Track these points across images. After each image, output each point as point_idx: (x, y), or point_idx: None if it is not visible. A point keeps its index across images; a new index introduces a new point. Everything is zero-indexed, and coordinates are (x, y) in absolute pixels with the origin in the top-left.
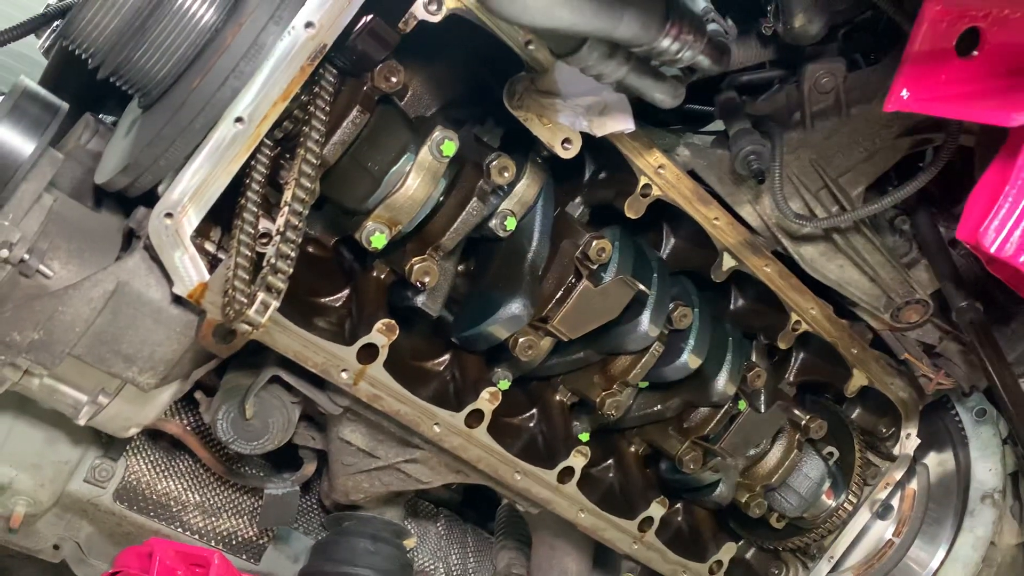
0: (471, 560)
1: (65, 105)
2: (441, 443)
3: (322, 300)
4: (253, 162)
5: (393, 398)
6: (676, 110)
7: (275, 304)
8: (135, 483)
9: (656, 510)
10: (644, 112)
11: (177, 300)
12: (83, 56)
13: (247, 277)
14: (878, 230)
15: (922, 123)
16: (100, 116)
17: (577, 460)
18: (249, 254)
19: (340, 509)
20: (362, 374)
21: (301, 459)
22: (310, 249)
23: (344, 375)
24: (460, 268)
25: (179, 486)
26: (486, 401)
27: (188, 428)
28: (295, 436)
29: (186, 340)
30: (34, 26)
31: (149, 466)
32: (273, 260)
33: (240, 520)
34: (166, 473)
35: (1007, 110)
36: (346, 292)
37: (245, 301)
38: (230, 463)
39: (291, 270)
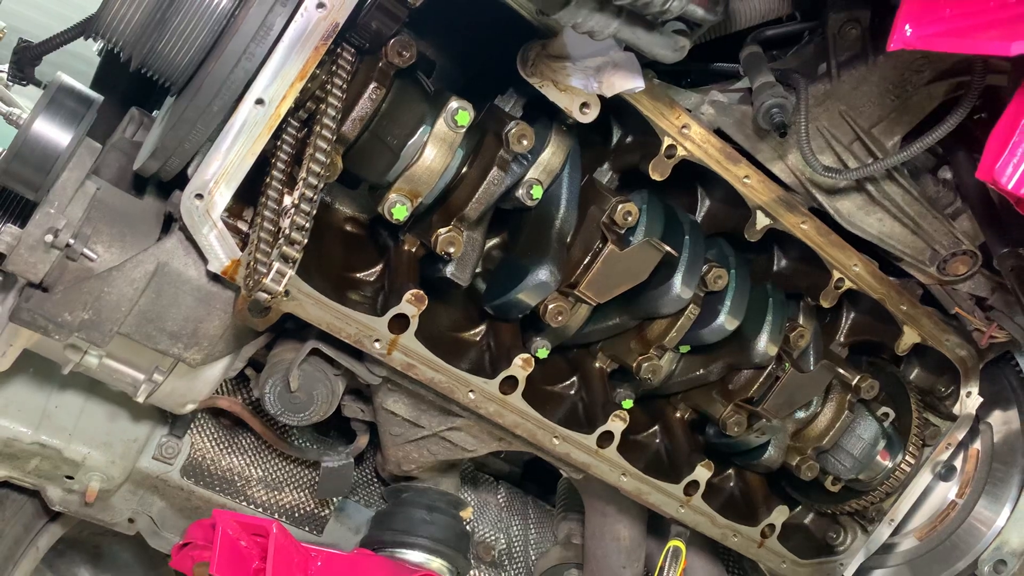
0: (532, 531)
1: (99, 97)
2: (477, 410)
3: (357, 275)
4: (278, 141)
5: (427, 366)
6: (705, 71)
7: (290, 272)
8: (200, 459)
9: (701, 473)
10: (671, 74)
11: (215, 278)
12: (113, 50)
13: (268, 250)
14: (920, 181)
15: (954, 65)
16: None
17: (615, 424)
18: (272, 228)
19: (397, 481)
20: (395, 344)
21: (355, 432)
22: (347, 227)
23: (377, 345)
24: (497, 240)
25: (242, 461)
26: (519, 367)
27: (246, 405)
28: (345, 409)
29: (226, 316)
30: (84, 28)
31: (213, 443)
32: (287, 231)
33: (301, 493)
34: (229, 449)
35: (1007, 40)
36: (380, 267)
37: (264, 271)
38: (289, 438)
39: (305, 240)
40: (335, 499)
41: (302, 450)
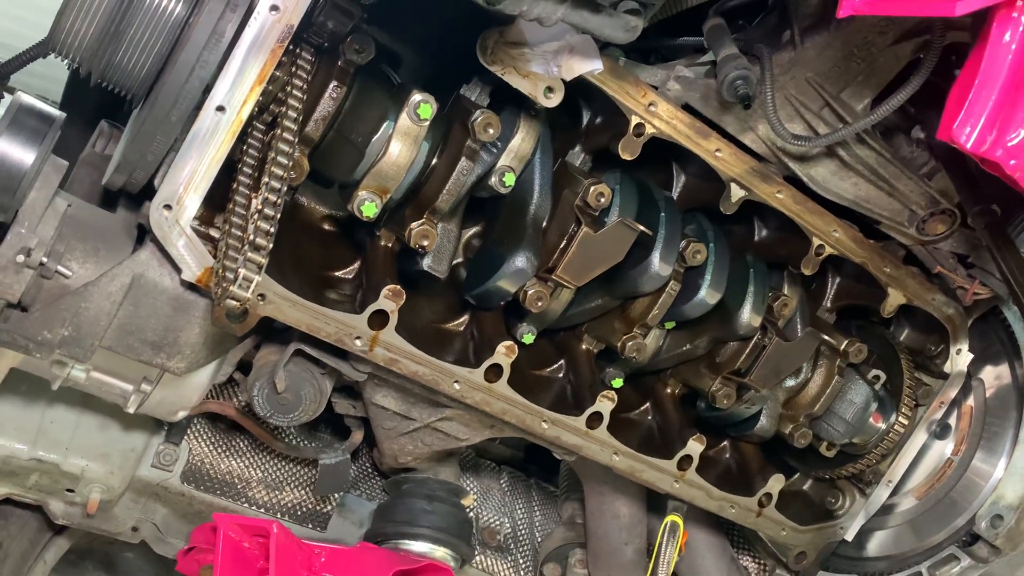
0: (537, 514)
1: (61, 114)
2: (464, 400)
3: (336, 273)
4: (244, 146)
5: (410, 360)
6: (672, 46)
7: (257, 278)
8: (199, 464)
9: (694, 447)
10: (639, 51)
11: (190, 286)
12: (69, 65)
13: (236, 256)
14: (893, 143)
15: (916, 25)
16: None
17: (604, 405)
18: (240, 234)
19: (396, 473)
20: (376, 340)
21: (350, 429)
22: (324, 226)
23: (358, 343)
24: (476, 229)
25: (241, 464)
26: (503, 355)
27: (240, 408)
28: (337, 407)
29: (206, 323)
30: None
31: (210, 447)
32: (252, 237)
33: (302, 492)
34: (227, 453)
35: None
36: (357, 264)
37: (231, 279)
38: (284, 438)
39: (270, 245)
40: (336, 494)
41: (298, 449)
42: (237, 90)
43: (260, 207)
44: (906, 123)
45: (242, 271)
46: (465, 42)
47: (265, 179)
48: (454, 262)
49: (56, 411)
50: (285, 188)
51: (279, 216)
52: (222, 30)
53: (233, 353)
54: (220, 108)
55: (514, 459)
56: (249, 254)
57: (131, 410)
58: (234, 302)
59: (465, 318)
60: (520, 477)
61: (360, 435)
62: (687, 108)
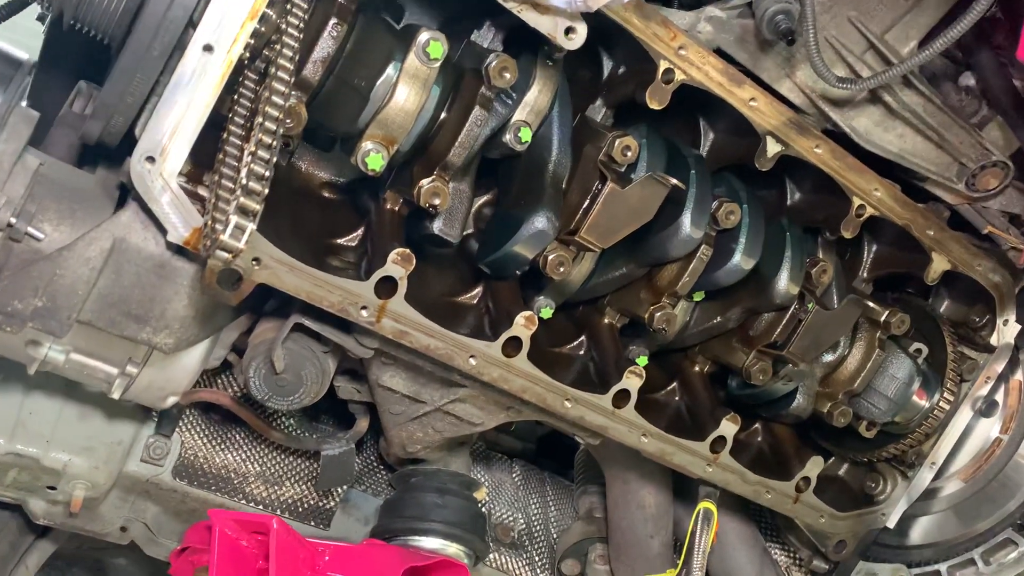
0: (551, 508)
1: (28, 57)
2: (480, 376)
3: (338, 240)
4: (236, 96)
5: (421, 332)
6: None
7: (251, 226)
8: (192, 458)
9: (727, 428)
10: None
11: (178, 250)
12: (41, 6)
13: (226, 208)
14: (941, 91)
15: None
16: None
17: (631, 381)
18: (231, 185)
19: (403, 465)
20: (383, 310)
21: (354, 416)
22: (324, 193)
23: (364, 313)
24: (488, 196)
25: (237, 457)
26: (522, 327)
27: (235, 397)
28: (339, 391)
29: (195, 293)
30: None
31: (204, 440)
32: (244, 181)
33: (303, 487)
34: (222, 446)
35: None
36: (362, 230)
37: (221, 229)
38: (284, 428)
39: (265, 190)
40: (339, 490)
41: (299, 440)
42: (226, 27)
43: (254, 149)
44: (953, 69)
45: (234, 218)
46: None
47: (259, 119)
48: (465, 232)
49: (35, 401)
50: (280, 132)
51: (274, 161)
52: None
53: (227, 333)
54: (208, 47)
55: (526, 451)
56: (241, 199)
57: (116, 395)
58: (225, 253)
59: (479, 290)
60: (533, 470)
61: (366, 422)
62: (719, 53)
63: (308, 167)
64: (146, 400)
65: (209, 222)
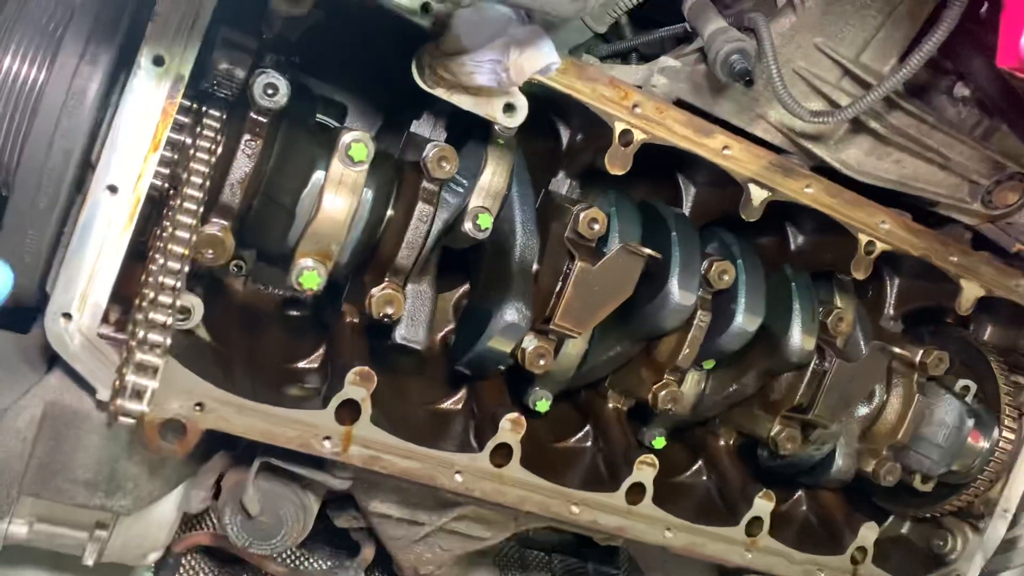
0: None
1: None
2: (471, 493)
3: (299, 364)
4: (156, 229)
5: (394, 455)
6: (652, 42)
7: (152, 385)
8: None
9: (762, 506)
10: (615, 55)
11: None
12: None
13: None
14: (935, 107)
15: None
16: None
17: (644, 472)
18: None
19: None
20: (348, 438)
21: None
22: (287, 311)
23: (327, 444)
24: (465, 288)
25: None
26: (508, 432)
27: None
28: (337, 521)
29: (143, 450)
30: None
31: None
32: (142, 333)
33: None
34: None
35: None
36: (323, 349)
37: (124, 390)
38: (286, 563)
39: (168, 342)
40: None
41: (305, 573)
42: (128, 163)
43: (152, 296)
44: (944, 81)
45: (131, 378)
46: (405, 73)
47: (160, 259)
48: (444, 330)
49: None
50: (186, 269)
51: (179, 303)
52: (81, 88)
53: (204, 476)
54: (112, 188)
55: (564, 544)
56: (139, 356)
57: (90, 562)
58: (127, 419)
59: (462, 393)
60: (574, 565)
61: (371, 551)
62: (680, 104)
63: (267, 287)
64: (127, 559)
65: (116, 382)
